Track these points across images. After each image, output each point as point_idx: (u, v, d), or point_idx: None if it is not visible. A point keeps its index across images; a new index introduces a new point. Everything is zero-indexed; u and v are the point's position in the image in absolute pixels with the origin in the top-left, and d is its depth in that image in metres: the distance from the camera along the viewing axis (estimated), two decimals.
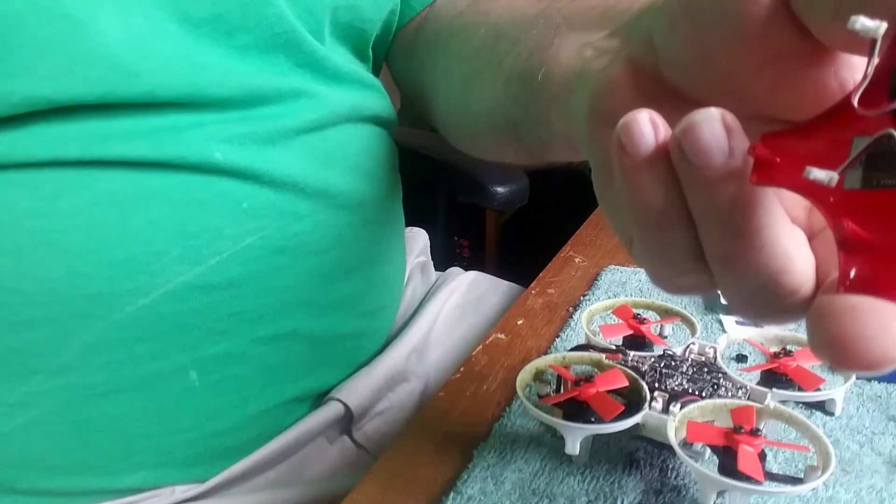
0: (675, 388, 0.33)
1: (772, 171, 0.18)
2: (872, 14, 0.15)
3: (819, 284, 0.19)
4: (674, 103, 0.22)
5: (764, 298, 0.19)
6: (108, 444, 0.37)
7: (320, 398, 0.45)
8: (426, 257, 0.68)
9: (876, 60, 0.15)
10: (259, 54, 0.38)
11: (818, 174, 0.16)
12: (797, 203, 0.20)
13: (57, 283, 0.34)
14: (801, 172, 0.16)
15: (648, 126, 0.19)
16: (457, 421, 0.38)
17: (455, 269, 0.67)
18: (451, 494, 0.32)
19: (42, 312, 0.34)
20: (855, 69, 0.19)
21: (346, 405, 0.45)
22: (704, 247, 0.20)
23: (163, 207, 0.35)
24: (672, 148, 0.19)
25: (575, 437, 0.31)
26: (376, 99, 0.47)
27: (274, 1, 0.38)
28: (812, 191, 0.17)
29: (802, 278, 0.19)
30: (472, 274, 0.67)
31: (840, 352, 0.15)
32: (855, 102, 0.16)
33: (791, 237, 0.19)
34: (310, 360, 0.43)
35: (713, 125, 0.18)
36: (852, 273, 0.16)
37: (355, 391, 0.45)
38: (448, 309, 0.59)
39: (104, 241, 0.34)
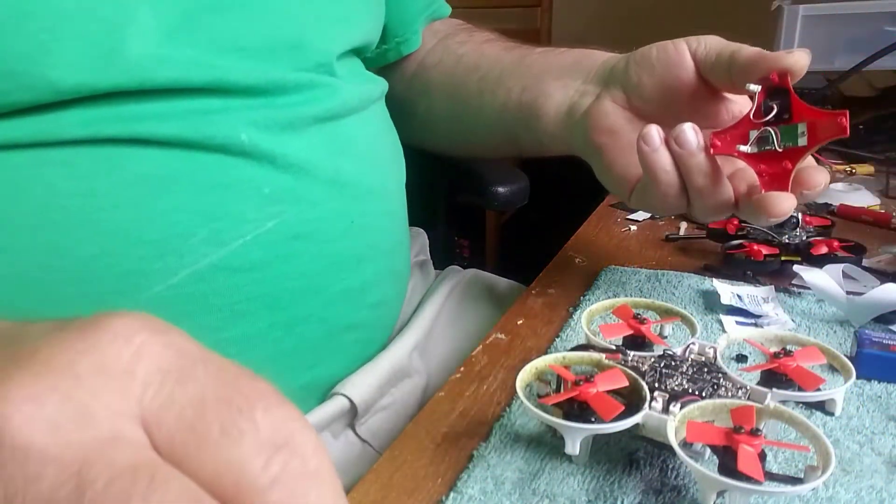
0: (675, 388, 0.33)
1: (720, 148, 0.42)
2: (752, 82, 0.41)
3: (736, 195, 0.43)
4: (640, 117, 0.47)
5: (716, 207, 0.43)
6: None
7: (326, 391, 0.46)
8: (425, 256, 0.68)
9: (757, 100, 0.41)
10: (278, 55, 0.42)
11: (742, 147, 0.42)
12: (725, 162, 0.43)
13: (91, 262, 0.35)
14: (734, 147, 0.42)
15: (656, 131, 0.42)
16: (457, 421, 0.38)
17: (454, 268, 0.67)
18: (451, 494, 0.32)
19: (75, 290, 0.35)
20: (734, 100, 0.46)
21: (350, 400, 0.45)
22: (688, 186, 0.43)
23: (191, 190, 0.37)
24: (670, 141, 0.42)
25: (575, 437, 0.31)
26: (377, 85, 0.53)
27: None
28: (740, 154, 0.42)
29: (730, 194, 0.43)
30: (472, 271, 0.67)
31: (770, 211, 0.40)
32: (751, 117, 0.42)
33: (726, 180, 0.43)
34: (320, 349, 0.44)
35: (690, 130, 0.42)
36: (763, 184, 0.41)
37: (359, 386, 0.46)
38: (449, 306, 0.61)
39: (136, 222, 0.36)
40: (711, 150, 0.42)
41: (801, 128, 0.40)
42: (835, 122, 0.39)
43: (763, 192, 0.41)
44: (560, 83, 0.52)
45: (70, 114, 0.35)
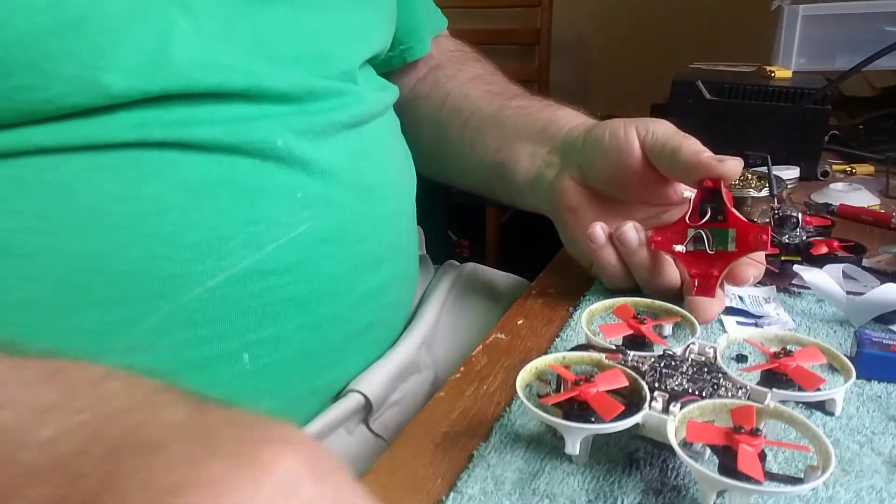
0: (675, 388, 0.33)
1: (659, 244, 0.46)
2: (686, 181, 0.46)
3: (683, 280, 0.47)
4: (597, 196, 0.51)
5: (662, 292, 0.47)
6: None
7: (341, 390, 0.47)
8: (422, 252, 0.69)
9: (692, 204, 0.45)
10: (305, 63, 0.43)
11: (677, 247, 0.45)
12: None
13: (135, 265, 0.36)
14: (671, 245, 0.45)
15: (600, 230, 0.47)
16: (457, 421, 0.38)
17: (452, 262, 0.69)
18: (451, 494, 0.32)
19: (118, 293, 0.36)
20: (682, 186, 0.48)
21: (365, 396, 0.46)
22: (633, 274, 0.48)
23: (230, 195, 0.38)
24: (615, 238, 0.47)
25: (575, 437, 0.31)
26: (392, 91, 0.55)
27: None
28: (675, 253, 0.46)
29: (675, 283, 0.47)
30: (471, 265, 0.69)
31: (697, 317, 0.41)
32: (687, 219, 0.45)
33: (669, 267, 0.47)
34: (342, 349, 0.45)
35: (631, 230, 0.46)
36: (694, 287, 0.45)
37: (373, 383, 0.47)
38: (451, 300, 0.62)
39: (179, 225, 0.37)
40: (652, 246, 0.46)
41: (732, 233, 0.43)
42: (758, 237, 0.42)
43: (693, 294, 0.44)
44: (528, 149, 0.55)
45: (120, 117, 0.36)
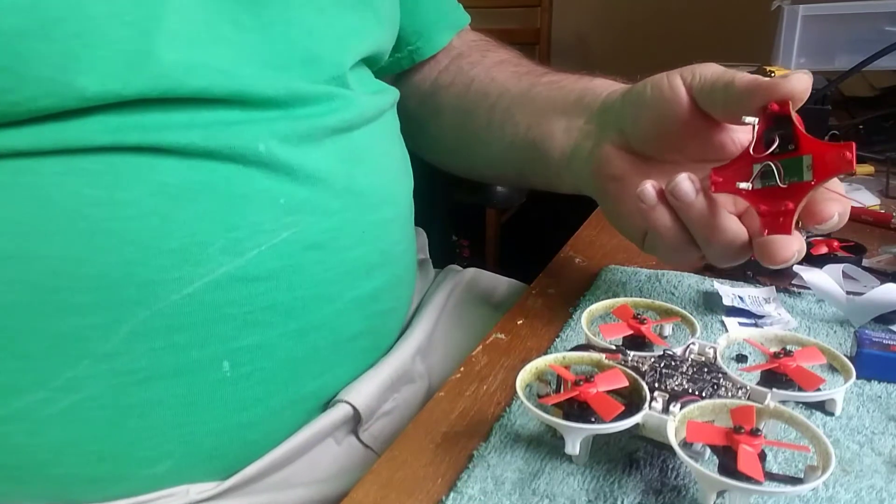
0: (675, 388, 0.33)
1: (721, 185, 0.40)
2: (748, 115, 0.38)
3: (750, 235, 0.40)
4: (643, 159, 0.45)
5: (728, 252, 0.40)
6: (143, 431, 0.38)
7: (331, 398, 0.46)
8: (425, 255, 0.68)
9: (756, 132, 0.38)
10: (295, 66, 0.42)
11: (742, 185, 0.38)
12: (729, 202, 0.41)
13: (111, 270, 0.35)
14: (734, 184, 0.39)
15: (651, 188, 0.41)
16: (457, 421, 0.38)
17: (453, 267, 0.67)
18: (451, 494, 0.32)
19: (94, 298, 0.35)
20: (736, 130, 0.42)
21: (354, 407, 0.45)
22: (694, 236, 0.41)
23: (209, 200, 0.37)
24: (667, 193, 0.40)
25: (575, 437, 0.31)
26: (389, 94, 0.53)
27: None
28: (740, 192, 0.39)
29: (741, 237, 0.40)
30: (472, 271, 0.67)
31: (771, 258, 0.37)
32: (751, 151, 0.39)
33: (731, 220, 0.40)
34: (329, 357, 0.44)
35: (686, 181, 0.39)
36: (765, 225, 0.38)
37: (362, 393, 0.46)
38: (449, 308, 0.60)
39: (156, 231, 0.36)
40: (712, 188, 0.39)
41: (807, 160, 0.37)
42: (841, 156, 0.35)
43: (765, 235, 0.38)
44: (563, 123, 0.51)
45: (95, 121, 0.35)
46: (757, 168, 0.38)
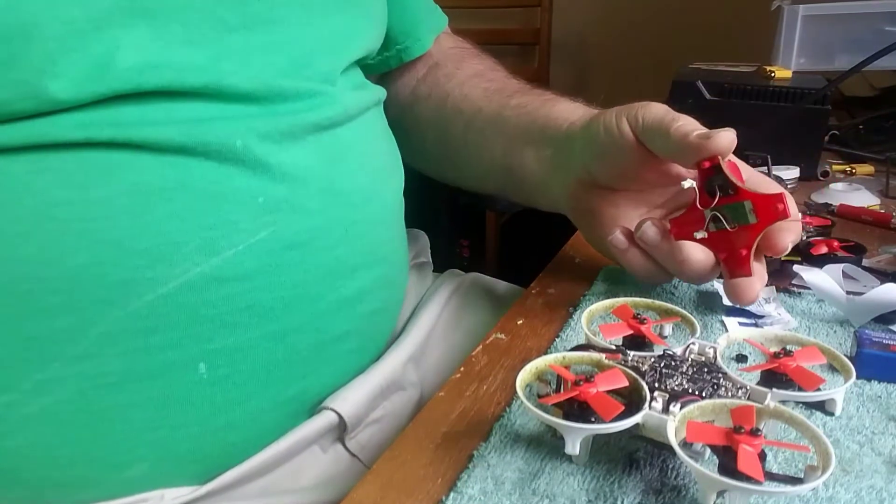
0: (675, 388, 0.33)
1: (679, 235, 0.44)
2: (685, 166, 0.45)
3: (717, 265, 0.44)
4: (610, 190, 0.49)
5: (696, 277, 0.44)
6: (116, 434, 0.37)
7: (316, 403, 0.45)
8: (426, 258, 0.67)
9: (697, 190, 0.43)
10: (281, 65, 0.42)
11: (698, 234, 0.43)
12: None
13: (81, 271, 0.35)
14: (691, 234, 0.44)
15: (621, 234, 0.47)
16: (457, 421, 0.38)
17: (453, 271, 0.67)
18: (451, 494, 0.32)
19: (64, 299, 0.35)
20: (683, 169, 0.45)
21: (339, 415, 0.44)
22: (665, 266, 0.46)
23: (184, 199, 0.37)
24: (636, 239, 0.46)
25: (575, 437, 0.31)
26: (374, 92, 0.52)
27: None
28: (697, 241, 0.43)
29: (707, 264, 0.43)
30: (471, 276, 0.66)
31: (739, 300, 0.43)
32: (698, 204, 0.43)
33: (696, 250, 0.43)
34: (312, 359, 0.43)
35: (650, 228, 0.45)
36: (728, 269, 0.43)
37: (349, 400, 0.45)
38: (446, 314, 0.59)
39: (128, 231, 0.35)
40: (672, 238, 0.44)
41: (748, 205, 0.41)
42: (774, 206, 0.40)
43: (729, 278, 0.43)
44: (533, 152, 0.54)
45: (65, 117, 0.35)
46: (708, 215, 0.43)
